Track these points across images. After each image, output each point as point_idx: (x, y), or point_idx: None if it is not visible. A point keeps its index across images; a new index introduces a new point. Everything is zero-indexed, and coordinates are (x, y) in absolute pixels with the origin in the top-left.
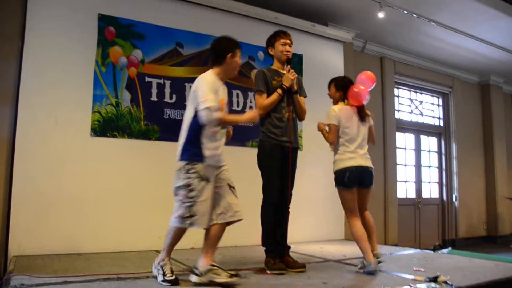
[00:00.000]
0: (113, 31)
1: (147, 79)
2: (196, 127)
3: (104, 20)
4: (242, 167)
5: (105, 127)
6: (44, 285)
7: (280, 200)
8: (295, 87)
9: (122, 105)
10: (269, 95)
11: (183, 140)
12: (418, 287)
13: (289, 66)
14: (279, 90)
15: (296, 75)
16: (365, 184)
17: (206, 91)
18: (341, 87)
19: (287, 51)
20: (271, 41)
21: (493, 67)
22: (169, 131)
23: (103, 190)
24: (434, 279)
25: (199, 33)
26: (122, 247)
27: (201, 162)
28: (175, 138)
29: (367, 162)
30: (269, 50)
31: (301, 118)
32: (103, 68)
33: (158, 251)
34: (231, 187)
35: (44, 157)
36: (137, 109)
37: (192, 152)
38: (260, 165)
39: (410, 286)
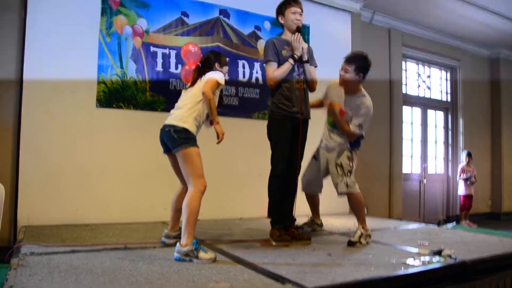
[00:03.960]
0: (117, 0)
1: (152, 49)
2: None
3: None
4: (249, 139)
5: (110, 97)
6: (53, 254)
7: (288, 171)
8: (306, 57)
9: (127, 75)
10: (279, 65)
11: None
12: (423, 260)
13: (299, 34)
14: (290, 60)
15: (306, 44)
16: None
17: None
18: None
19: (297, 20)
20: (282, 9)
21: (503, 40)
22: (175, 102)
23: (109, 161)
24: (439, 253)
25: (204, 2)
26: (129, 218)
27: None
28: None
29: None
30: (279, 19)
31: (312, 89)
32: (108, 37)
33: (164, 222)
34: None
35: (50, 128)
36: (143, 80)
37: None
38: (270, 136)
39: (415, 259)
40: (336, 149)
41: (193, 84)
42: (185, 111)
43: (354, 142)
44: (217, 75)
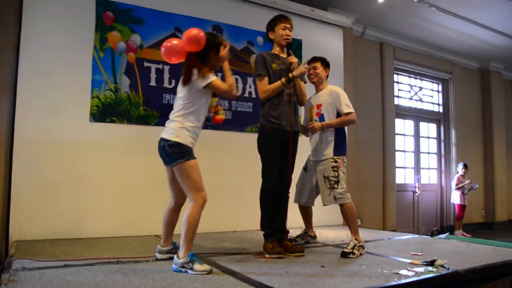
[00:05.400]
0: (111, 16)
1: (146, 64)
2: None
3: (102, 5)
4: (241, 152)
5: (104, 112)
6: (45, 269)
7: (280, 184)
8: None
9: (121, 90)
10: (269, 78)
11: None
12: (416, 271)
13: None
14: (283, 80)
15: (296, 59)
16: None
17: None
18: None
19: (287, 35)
20: (272, 25)
21: (493, 53)
22: (168, 117)
23: (102, 175)
24: (432, 263)
25: (198, 18)
26: (122, 232)
27: None
28: None
29: None
30: (269, 34)
31: (302, 103)
32: (102, 53)
33: (157, 236)
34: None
35: (43, 142)
36: (136, 94)
37: None
38: (260, 149)
39: (408, 269)
40: (322, 159)
41: (184, 82)
42: (176, 124)
43: (337, 148)
44: (211, 78)
